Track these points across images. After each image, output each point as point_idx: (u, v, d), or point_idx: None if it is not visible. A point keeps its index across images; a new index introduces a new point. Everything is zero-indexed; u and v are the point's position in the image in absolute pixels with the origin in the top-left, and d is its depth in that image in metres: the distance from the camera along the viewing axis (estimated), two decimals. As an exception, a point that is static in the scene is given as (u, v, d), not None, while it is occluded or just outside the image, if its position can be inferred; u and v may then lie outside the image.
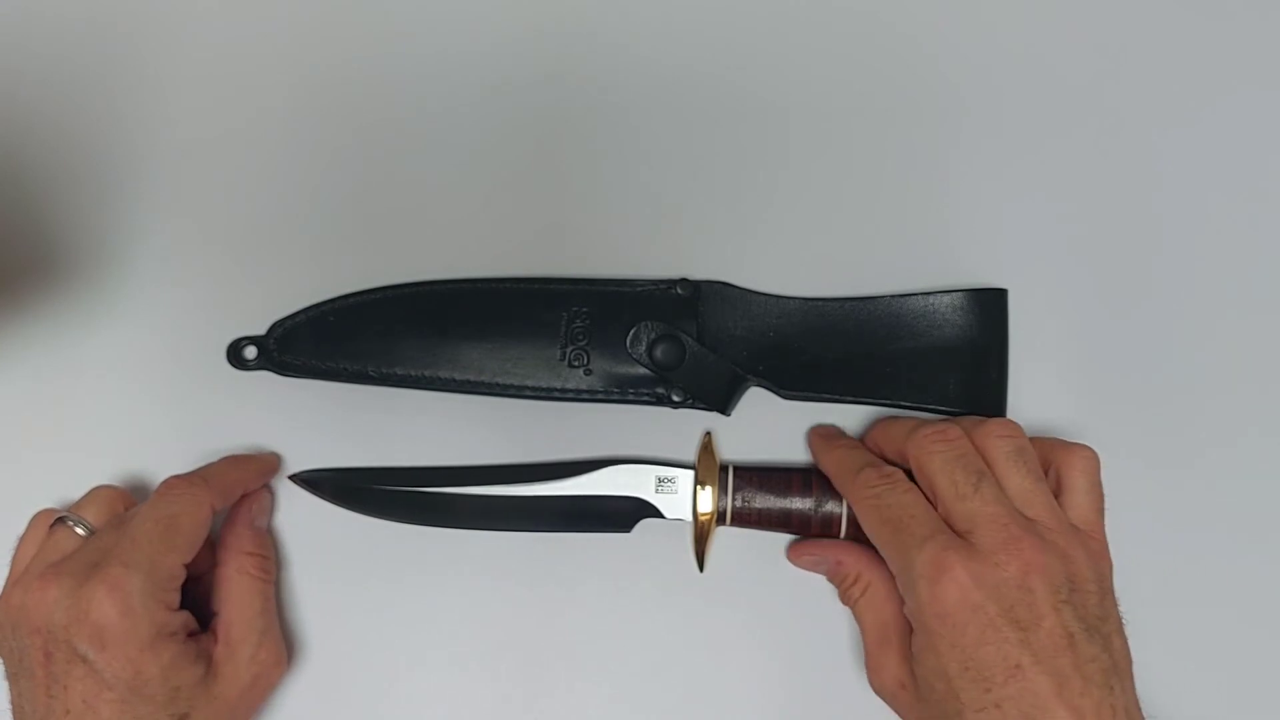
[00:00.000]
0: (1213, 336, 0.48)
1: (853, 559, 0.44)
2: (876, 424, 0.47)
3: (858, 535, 0.44)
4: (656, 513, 0.46)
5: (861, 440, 0.47)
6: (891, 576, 0.42)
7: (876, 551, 0.42)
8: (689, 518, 0.46)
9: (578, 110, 0.50)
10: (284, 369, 0.47)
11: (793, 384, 0.47)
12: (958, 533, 0.39)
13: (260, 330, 0.48)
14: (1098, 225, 0.49)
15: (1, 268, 0.49)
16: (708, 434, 0.47)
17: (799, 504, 0.45)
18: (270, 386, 0.48)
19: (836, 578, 0.45)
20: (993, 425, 0.42)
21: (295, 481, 0.47)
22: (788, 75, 0.50)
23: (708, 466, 0.46)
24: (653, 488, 0.46)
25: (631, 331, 0.47)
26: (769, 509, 0.45)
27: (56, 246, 0.49)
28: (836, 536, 0.46)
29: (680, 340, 0.47)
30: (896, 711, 0.42)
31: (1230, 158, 0.50)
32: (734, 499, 0.46)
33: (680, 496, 0.46)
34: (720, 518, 0.46)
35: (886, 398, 0.47)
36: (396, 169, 0.50)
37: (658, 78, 0.50)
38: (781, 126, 0.50)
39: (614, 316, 0.47)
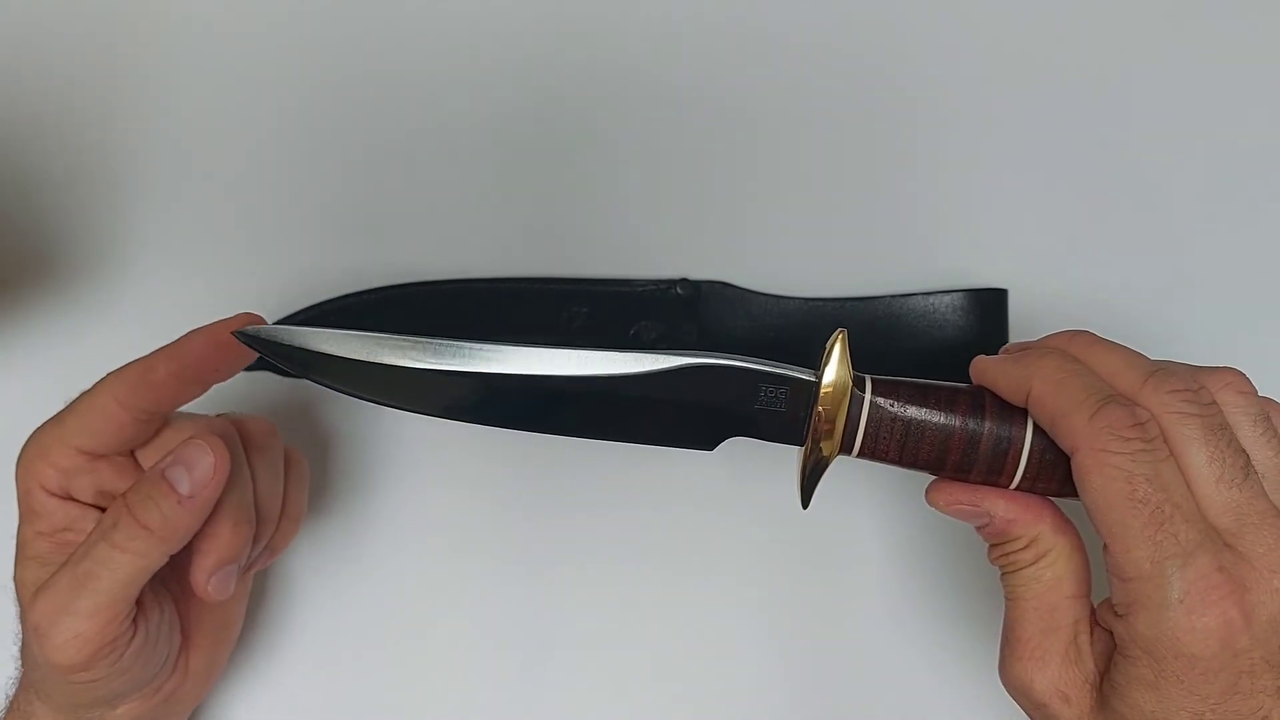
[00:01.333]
0: (1213, 337, 0.48)
1: (1032, 517, 0.34)
2: (1060, 342, 0.35)
3: (1035, 486, 0.34)
4: (753, 430, 0.35)
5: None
6: (1081, 550, 0.34)
7: (1059, 511, 0.34)
8: (799, 440, 0.35)
9: (578, 111, 0.50)
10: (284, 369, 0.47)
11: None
12: (1216, 530, 0.30)
13: (260, 330, 0.48)
14: (1098, 225, 0.49)
15: (1, 268, 0.48)
16: (841, 331, 0.35)
17: (963, 429, 0.33)
18: (270, 386, 0.48)
19: (998, 535, 0.34)
20: (1223, 376, 0.33)
21: (244, 341, 0.35)
22: (788, 75, 0.50)
23: (837, 368, 0.34)
24: (753, 395, 0.34)
25: (631, 331, 0.47)
26: (920, 432, 0.34)
27: (56, 246, 0.49)
28: (1006, 483, 0.34)
29: (680, 340, 0.47)
30: (1036, 718, 0.34)
31: (1231, 157, 0.50)
32: (870, 413, 0.34)
33: (791, 410, 0.34)
34: (847, 442, 0.34)
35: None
36: (397, 169, 0.50)
37: (658, 78, 0.50)
38: (782, 127, 0.50)
39: (614, 316, 0.47)
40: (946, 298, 0.47)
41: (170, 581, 0.39)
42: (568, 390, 0.34)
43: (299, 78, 0.50)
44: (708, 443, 0.35)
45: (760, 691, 0.47)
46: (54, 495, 0.37)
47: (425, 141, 0.50)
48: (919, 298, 0.48)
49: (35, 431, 0.38)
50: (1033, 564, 0.34)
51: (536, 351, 0.35)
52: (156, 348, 0.38)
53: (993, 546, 0.35)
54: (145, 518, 0.35)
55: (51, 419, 0.38)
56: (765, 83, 0.50)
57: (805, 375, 0.35)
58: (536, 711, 0.46)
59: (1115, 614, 0.32)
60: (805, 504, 0.36)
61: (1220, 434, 0.31)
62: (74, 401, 0.38)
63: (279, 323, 0.47)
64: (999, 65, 0.50)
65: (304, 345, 0.35)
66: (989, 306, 0.47)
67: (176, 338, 0.38)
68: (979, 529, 0.35)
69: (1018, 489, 0.34)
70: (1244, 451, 0.31)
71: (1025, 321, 0.48)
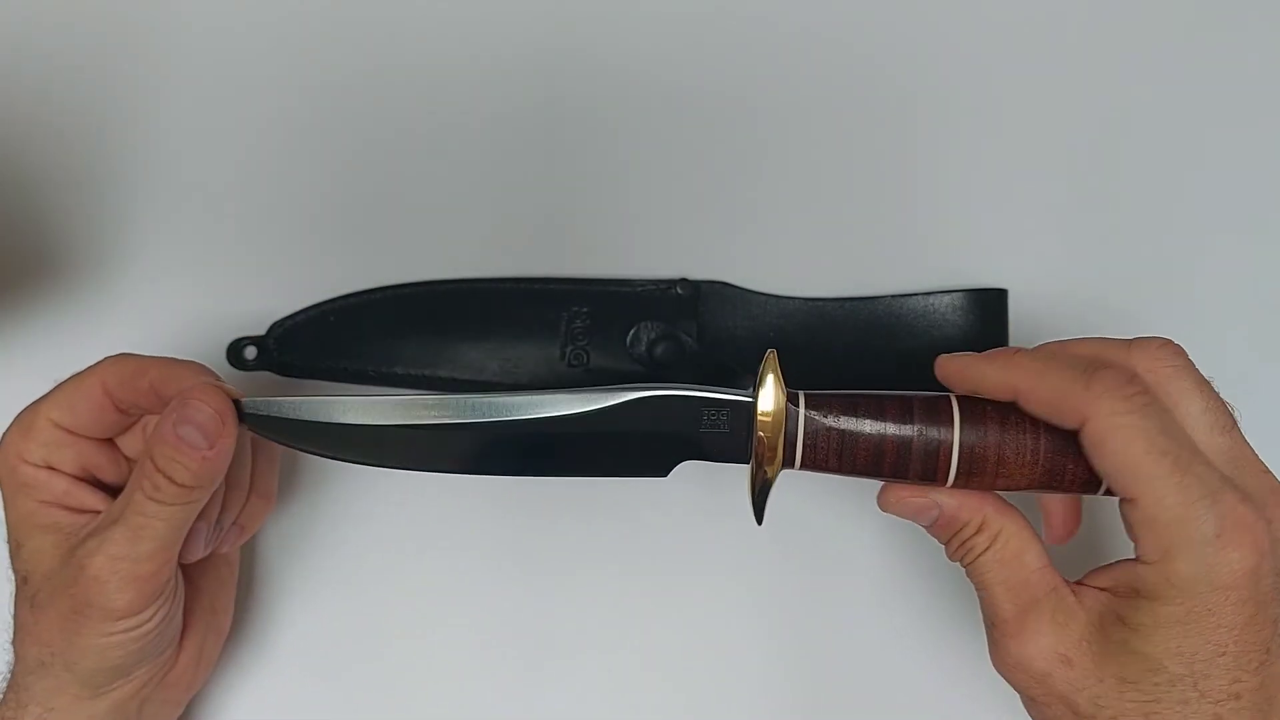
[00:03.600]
0: (1214, 337, 0.48)
1: (975, 502, 0.35)
2: (999, 361, 0.36)
3: (969, 483, 0.36)
4: (700, 453, 0.37)
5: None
6: (1028, 527, 0.35)
7: (999, 497, 0.36)
8: (745, 458, 0.37)
9: (578, 110, 0.50)
10: (284, 369, 0.47)
11: (793, 384, 0.47)
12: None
13: (260, 330, 0.48)
14: (1098, 225, 0.49)
15: (1, 268, 0.49)
16: (771, 351, 0.37)
17: (896, 435, 0.35)
18: (270, 387, 0.48)
19: (948, 527, 0.36)
20: (1152, 347, 0.35)
21: (242, 422, 0.38)
22: (788, 75, 0.50)
23: (771, 390, 0.36)
24: (697, 420, 0.36)
25: (631, 331, 0.47)
26: (854, 442, 0.35)
27: (56, 246, 0.49)
28: (941, 483, 0.36)
29: (680, 340, 0.47)
30: (1040, 695, 0.34)
31: (1232, 157, 0.50)
32: (806, 428, 0.36)
33: (733, 431, 0.36)
34: (788, 456, 0.36)
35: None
36: (397, 169, 0.50)
37: (658, 78, 0.50)
38: (782, 127, 0.50)
39: (614, 316, 0.47)
40: (946, 298, 0.47)
41: None
42: (520, 435, 0.37)
43: (299, 78, 0.50)
44: (660, 470, 0.37)
45: (759, 692, 0.47)
46: (39, 468, 0.39)
47: (425, 141, 0.50)
48: (919, 298, 0.48)
49: (19, 413, 0.40)
50: (989, 546, 0.35)
51: (486, 399, 0.37)
52: (161, 355, 0.40)
53: (948, 542, 0.37)
54: (179, 476, 0.36)
55: (37, 399, 0.40)
56: (765, 82, 0.50)
57: (743, 397, 0.36)
58: (535, 712, 0.46)
59: (1144, 563, 0.32)
60: (759, 520, 0.37)
61: (1207, 385, 0.34)
62: (64, 380, 0.39)
63: (277, 323, 0.48)
64: (999, 65, 0.50)
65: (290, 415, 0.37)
66: (989, 306, 0.47)
67: (182, 361, 0.39)
68: (929, 527, 0.37)
69: (953, 485, 0.36)
70: (1227, 401, 0.34)
71: (1025, 321, 0.48)
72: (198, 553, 0.40)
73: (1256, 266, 0.49)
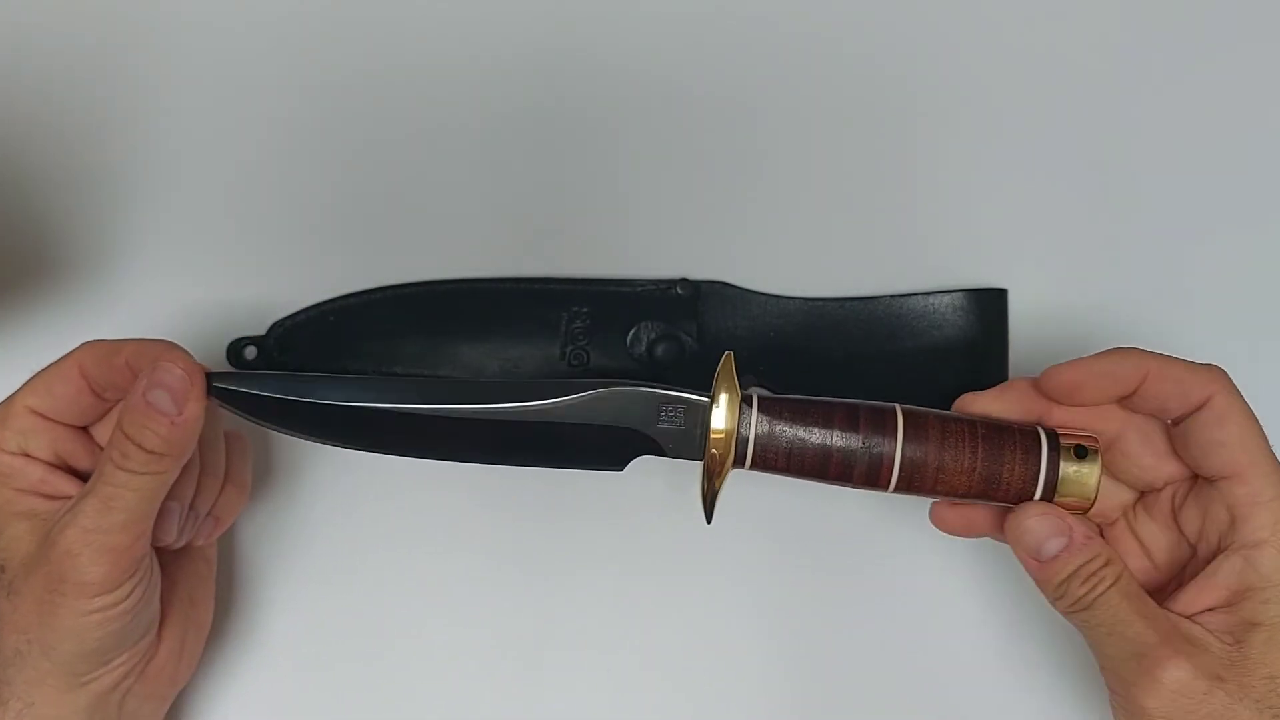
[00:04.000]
0: (1214, 336, 0.48)
1: (1086, 529, 0.36)
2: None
3: (910, 488, 0.37)
4: (656, 448, 0.38)
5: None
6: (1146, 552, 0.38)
7: (1136, 513, 0.38)
8: (699, 455, 0.38)
9: (578, 110, 0.50)
10: (284, 369, 0.47)
11: (793, 384, 0.47)
12: None
13: (260, 330, 0.48)
14: (1098, 225, 0.49)
15: (1, 268, 0.49)
16: (728, 354, 0.39)
17: (841, 442, 0.37)
18: (270, 386, 0.48)
19: (1077, 555, 0.35)
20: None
21: (212, 397, 0.39)
22: (788, 75, 0.50)
23: (726, 390, 0.37)
24: (654, 416, 0.38)
25: (631, 331, 0.47)
26: (802, 445, 0.37)
27: (56, 247, 0.49)
28: (884, 488, 0.37)
29: (680, 340, 0.47)
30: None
31: (1232, 157, 0.50)
32: (758, 430, 0.37)
33: (689, 429, 0.38)
34: (739, 456, 0.38)
35: (887, 398, 0.47)
36: (396, 169, 0.50)
37: (658, 78, 0.50)
38: (782, 127, 0.50)
39: (614, 316, 0.47)
40: (946, 298, 0.47)
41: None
42: (484, 423, 0.38)
43: (299, 79, 0.50)
44: (618, 463, 0.39)
45: (759, 692, 0.47)
46: (15, 455, 0.39)
47: (425, 141, 0.50)
48: (919, 298, 0.48)
49: None
50: (1120, 577, 0.35)
51: (458, 383, 0.39)
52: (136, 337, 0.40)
53: (1069, 578, 0.35)
54: (148, 443, 0.37)
55: (14, 391, 0.40)
56: (765, 83, 0.50)
57: (699, 396, 0.38)
58: (533, 712, 0.46)
59: (1254, 544, 0.34)
60: (708, 518, 0.38)
61: None
62: (41, 369, 0.40)
63: (278, 323, 0.48)
64: (999, 66, 0.50)
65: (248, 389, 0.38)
66: (989, 306, 0.47)
67: (155, 338, 0.40)
68: (1047, 561, 0.36)
69: (895, 490, 0.37)
70: None
71: (1025, 321, 0.48)
72: (171, 535, 0.40)
73: (1257, 266, 0.49)
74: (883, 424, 0.37)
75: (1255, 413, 0.36)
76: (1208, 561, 0.36)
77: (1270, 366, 0.48)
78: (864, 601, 0.47)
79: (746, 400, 0.38)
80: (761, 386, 0.47)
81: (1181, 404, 0.36)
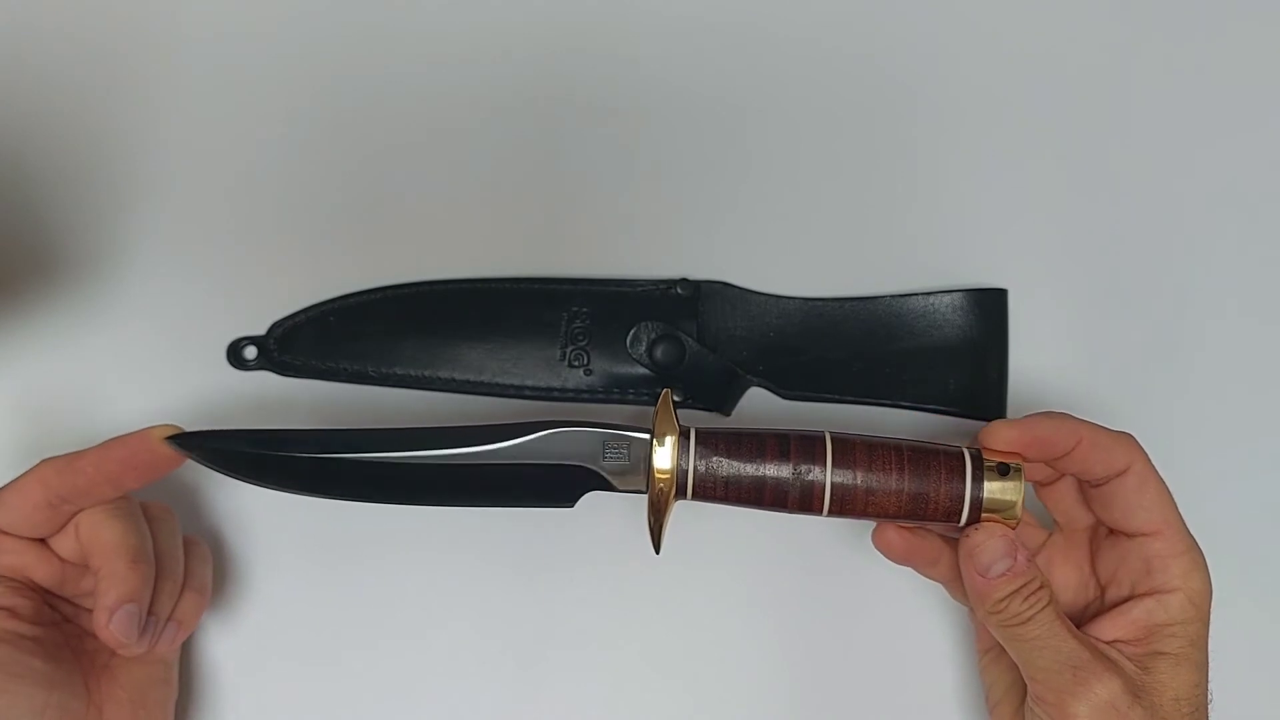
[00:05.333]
0: (1214, 336, 0.48)
1: (1026, 553, 0.39)
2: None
3: (843, 511, 0.39)
4: (605, 484, 0.40)
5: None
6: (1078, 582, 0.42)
7: (1057, 548, 0.43)
8: (644, 488, 0.40)
9: (578, 110, 0.50)
10: (284, 369, 0.47)
11: (793, 384, 0.47)
12: None
13: (260, 330, 0.48)
14: (1098, 225, 0.49)
15: (1, 268, 0.49)
16: (666, 391, 0.41)
17: (774, 471, 0.39)
18: (270, 386, 0.48)
19: (1019, 577, 0.38)
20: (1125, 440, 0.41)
21: (173, 446, 0.40)
22: (788, 75, 0.50)
23: (665, 426, 0.39)
24: (600, 453, 0.40)
25: (631, 331, 0.47)
26: (738, 476, 0.39)
27: (56, 247, 0.49)
28: (818, 512, 0.39)
29: (680, 340, 0.47)
30: None
31: (1232, 156, 0.50)
32: (696, 463, 0.39)
33: (633, 464, 0.40)
34: (680, 488, 0.39)
35: (887, 398, 0.47)
36: (396, 169, 0.50)
37: (658, 78, 0.50)
38: (782, 127, 0.50)
39: (614, 316, 0.47)
40: (946, 298, 0.47)
41: (80, 653, 0.41)
42: (438, 467, 0.39)
43: (299, 79, 0.50)
44: (568, 500, 0.41)
45: (760, 692, 0.47)
46: None
47: (425, 141, 0.50)
48: (919, 298, 0.48)
49: None
50: (1043, 609, 0.38)
51: (411, 432, 0.40)
52: (88, 448, 0.40)
53: (1010, 596, 0.38)
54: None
55: None
56: (765, 82, 0.50)
57: (641, 433, 0.40)
58: (533, 711, 0.46)
59: (1163, 592, 0.39)
60: (656, 549, 0.40)
61: None
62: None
63: (278, 323, 0.48)
64: (999, 65, 0.50)
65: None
66: (989, 306, 0.47)
67: (103, 442, 0.40)
68: (991, 578, 0.38)
69: (829, 515, 0.39)
70: None
71: (1025, 321, 0.48)
72: (132, 639, 0.39)
73: (1257, 266, 0.49)
74: (812, 452, 0.39)
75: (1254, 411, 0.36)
76: (1116, 603, 0.40)
77: (1272, 366, 0.48)
78: (863, 602, 0.47)
79: (685, 435, 0.39)
80: (762, 386, 0.47)
81: (1106, 470, 0.39)
